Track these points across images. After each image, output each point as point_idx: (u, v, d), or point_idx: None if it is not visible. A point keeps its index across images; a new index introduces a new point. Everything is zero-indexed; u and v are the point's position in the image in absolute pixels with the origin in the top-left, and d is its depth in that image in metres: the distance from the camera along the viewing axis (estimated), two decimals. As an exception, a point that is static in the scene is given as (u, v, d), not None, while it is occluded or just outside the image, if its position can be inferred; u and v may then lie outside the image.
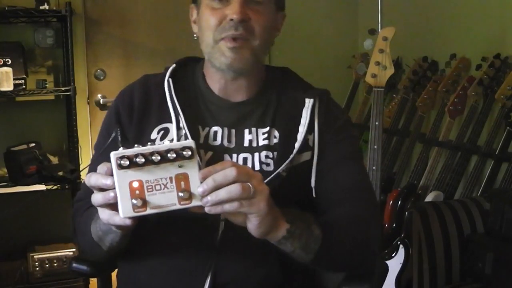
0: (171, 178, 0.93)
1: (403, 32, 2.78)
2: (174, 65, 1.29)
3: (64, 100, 3.11)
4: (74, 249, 2.90)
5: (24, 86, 2.85)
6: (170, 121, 1.19)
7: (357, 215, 1.17)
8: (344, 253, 1.13)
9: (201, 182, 0.93)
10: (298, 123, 1.21)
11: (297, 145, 1.18)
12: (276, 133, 1.21)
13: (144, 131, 1.20)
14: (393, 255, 2.12)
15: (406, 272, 2.12)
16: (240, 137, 1.21)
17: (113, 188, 0.92)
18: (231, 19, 1.13)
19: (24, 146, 2.80)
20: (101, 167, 0.95)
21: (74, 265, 1.33)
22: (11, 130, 3.07)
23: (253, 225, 0.97)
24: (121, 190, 0.92)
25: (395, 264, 2.11)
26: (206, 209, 0.93)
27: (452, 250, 2.15)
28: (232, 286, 1.14)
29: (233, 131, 1.21)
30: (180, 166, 0.93)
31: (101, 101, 3.31)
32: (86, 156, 3.19)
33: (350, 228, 1.14)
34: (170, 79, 1.25)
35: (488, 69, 2.58)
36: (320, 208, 1.20)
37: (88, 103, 3.28)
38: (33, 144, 2.83)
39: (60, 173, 2.86)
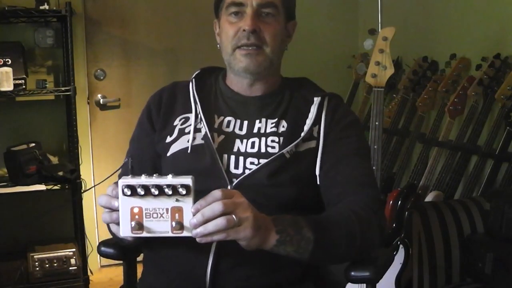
0: (167, 209, 1.06)
1: (403, 32, 2.79)
2: (199, 71, 1.46)
3: (64, 100, 3.11)
4: (74, 249, 2.91)
5: (24, 86, 2.85)
6: (191, 112, 1.38)
7: (358, 209, 1.22)
8: (340, 248, 1.19)
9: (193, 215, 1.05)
10: (306, 118, 1.35)
11: (303, 133, 1.32)
12: (285, 123, 1.36)
13: (169, 120, 1.40)
14: (393, 254, 2.12)
15: (406, 272, 2.12)
16: (251, 126, 1.37)
17: (118, 210, 1.07)
18: (244, 30, 1.31)
19: (24, 146, 2.80)
20: (111, 190, 1.09)
21: (102, 248, 1.42)
22: (11, 130, 3.07)
23: (242, 245, 1.10)
24: (123, 213, 1.06)
25: (395, 264, 2.11)
26: (197, 240, 1.06)
27: (452, 250, 2.15)
28: (236, 257, 1.22)
29: (246, 122, 1.37)
30: (177, 200, 1.06)
31: (101, 101, 3.31)
32: (86, 156, 3.19)
33: (348, 223, 1.19)
34: (194, 79, 1.43)
35: (488, 69, 2.58)
36: (324, 201, 1.31)
37: (88, 103, 3.28)
38: (33, 144, 2.83)
39: (60, 173, 2.86)
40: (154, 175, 1.07)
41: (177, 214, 1.05)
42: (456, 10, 2.91)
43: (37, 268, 2.82)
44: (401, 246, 2.13)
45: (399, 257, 2.13)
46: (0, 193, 2.78)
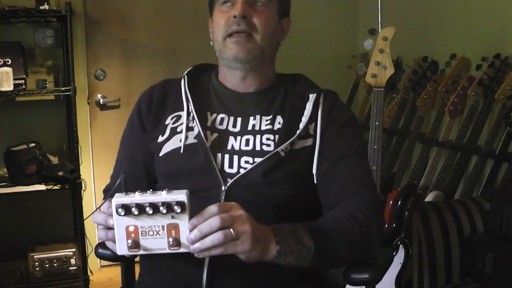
0: (163, 227, 1.05)
1: (403, 32, 2.78)
2: (191, 67, 1.44)
3: (64, 100, 3.11)
4: (74, 249, 2.91)
5: (24, 86, 2.85)
6: (183, 110, 1.35)
7: (356, 212, 1.21)
8: (340, 254, 1.18)
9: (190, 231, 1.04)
10: (302, 115, 1.33)
11: (298, 131, 1.30)
12: (280, 120, 1.33)
13: (160, 119, 1.37)
14: (393, 255, 2.12)
15: (406, 272, 2.12)
16: (245, 123, 1.34)
17: (113, 228, 1.06)
18: (234, 16, 1.29)
19: (24, 146, 2.80)
20: (107, 208, 1.09)
21: (99, 250, 1.40)
22: (11, 130, 3.07)
23: (242, 259, 1.08)
24: (119, 232, 1.05)
25: (395, 264, 2.11)
26: (195, 255, 1.05)
27: (452, 250, 2.15)
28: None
29: (239, 119, 1.34)
30: (172, 217, 1.04)
31: (101, 101, 3.31)
32: (86, 156, 3.19)
33: (347, 228, 1.18)
34: (186, 76, 1.40)
35: (488, 69, 2.57)
36: (322, 201, 1.29)
37: (88, 103, 3.28)
38: (33, 144, 2.83)
39: (60, 173, 2.86)
40: (148, 191, 1.05)
41: (173, 231, 1.04)
42: (456, 10, 2.91)
43: (37, 268, 2.81)
44: (401, 246, 2.13)
45: (399, 257, 2.12)
46: (0, 193, 2.78)
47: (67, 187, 2.94)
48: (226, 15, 1.31)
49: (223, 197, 1.25)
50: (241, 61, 1.31)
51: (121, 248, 1.06)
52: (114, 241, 1.07)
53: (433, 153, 2.76)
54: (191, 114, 1.33)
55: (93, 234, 3.18)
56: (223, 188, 1.25)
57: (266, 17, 1.31)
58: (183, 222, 1.04)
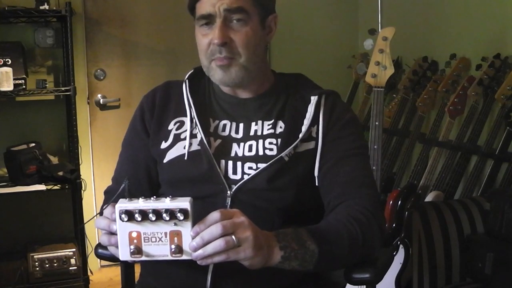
0: (165, 233, 1.06)
1: (403, 32, 2.78)
2: (192, 71, 1.43)
3: (64, 100, 3.11)
4: (74, 249, 2.91)
5: (24, 86, 2.85)
6: (186, 115, 1.35)
7: (357, 213, 1.21)
8: (344, 256, 1.18)
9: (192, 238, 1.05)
10: (303, 118, 1.32)
11: (301, 135, 1.29)
12: (282, 124, 1.33)
13: (163, 124, 1.36)
14: (393, 255, 2.12)
15: (406, 272, 2.12)
16: (247, 128, 1.34)
17: (116, 234, 1.07)
18: (214, 43, 1.27)
19: (24, 146, 2.80)
20: (110, 213, 1.09)
21: (99, 250, 1.39)
22: (11, 130, 3.07)
23: (246, 266, 1.08)
24: (121, 238, 1.06)
25: (395, 264, 2.11)
26: (198, 262, 1.05)
27: (452, 250, 2.15)
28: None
29: (241, 124, 1.34)
30: (175, 224, 1.05)
31: (101, 101, 3.31)
32: (86, 156, 3.19)
33: (349, 230, 1.18)
34: (187, 80, 1.40)
35: (488, 69, 2.58)
36: (324, 202, 1.29)
37: (88, 103, 3.28)
38: (33, 144, 2.83)
39: (60, 173, 2.86)
40: (152, 198, 1.06)
41: (175, 238, 1.05)
42: (456, 10, 2.91)
43: (37, 268, 2.82)
44: (401, 246, 2.13)
45: (399, 257, 2.13)
46: (0, 193, 2.78)
47: (67, 187, 2.94)
48: (206, 39, 1.29)
49: (228, 203, 1.25)
50: (228, 84, 1.32)
51: (124, 253, 1.07)
52: (116, 247, 1.07)
53: (433, 153, 2.76)
54: (194, 121, 1.33)
55: (93, 234, 3.18)
56: (228, 193, 1.25)
57: (247, 37, 1.27)
58: (186, 230, 1.05)
